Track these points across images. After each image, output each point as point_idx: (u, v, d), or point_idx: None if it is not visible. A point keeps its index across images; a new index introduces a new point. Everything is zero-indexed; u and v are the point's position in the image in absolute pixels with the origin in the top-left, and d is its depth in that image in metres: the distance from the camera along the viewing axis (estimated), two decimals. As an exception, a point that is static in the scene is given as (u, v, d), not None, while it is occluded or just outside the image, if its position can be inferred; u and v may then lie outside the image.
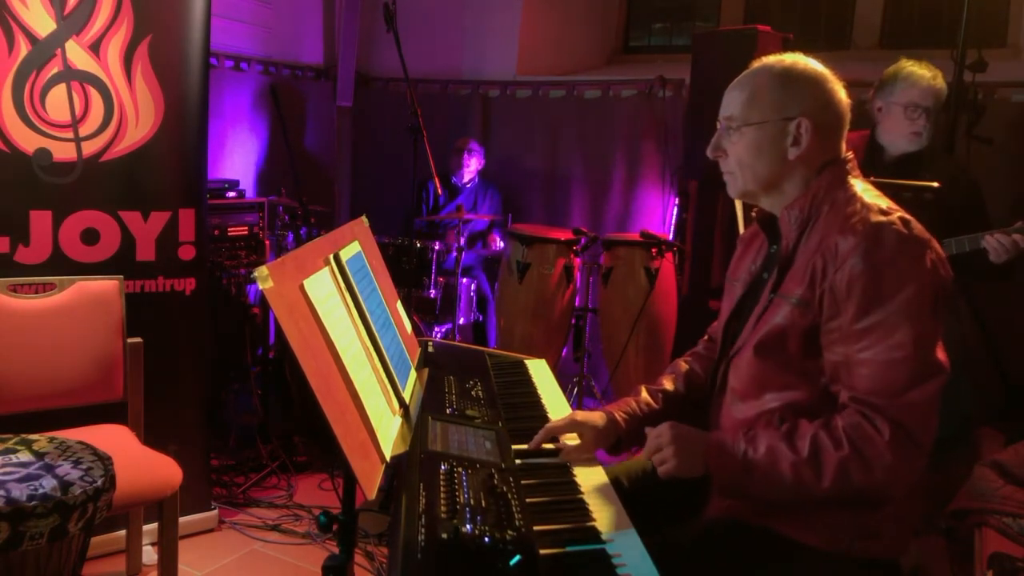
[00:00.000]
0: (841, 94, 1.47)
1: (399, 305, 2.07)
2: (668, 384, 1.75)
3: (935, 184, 2.39)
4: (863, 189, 1.45)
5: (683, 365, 1.79)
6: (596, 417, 1.65)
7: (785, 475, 1.33)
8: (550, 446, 1.63)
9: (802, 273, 1.40)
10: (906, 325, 1.30)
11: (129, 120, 2.56)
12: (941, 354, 1.34)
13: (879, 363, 1.31)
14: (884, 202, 1.42)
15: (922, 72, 2.60)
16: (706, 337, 1.84)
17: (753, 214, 1.64)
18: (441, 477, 1.34)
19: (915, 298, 1.31)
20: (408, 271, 3.69)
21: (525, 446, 1.62)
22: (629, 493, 1.54)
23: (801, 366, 1.41)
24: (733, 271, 1.69)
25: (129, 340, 2.48)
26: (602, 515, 1.36)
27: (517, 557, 1.13)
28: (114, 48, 2.51)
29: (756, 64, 1.51)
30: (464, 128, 4.85)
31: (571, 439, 1.65)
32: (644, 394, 1.73)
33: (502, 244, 4.41)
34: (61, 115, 2.46)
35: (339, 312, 1.49)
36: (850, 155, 1.50)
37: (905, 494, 1.42)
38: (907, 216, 1.37)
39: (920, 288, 1.31)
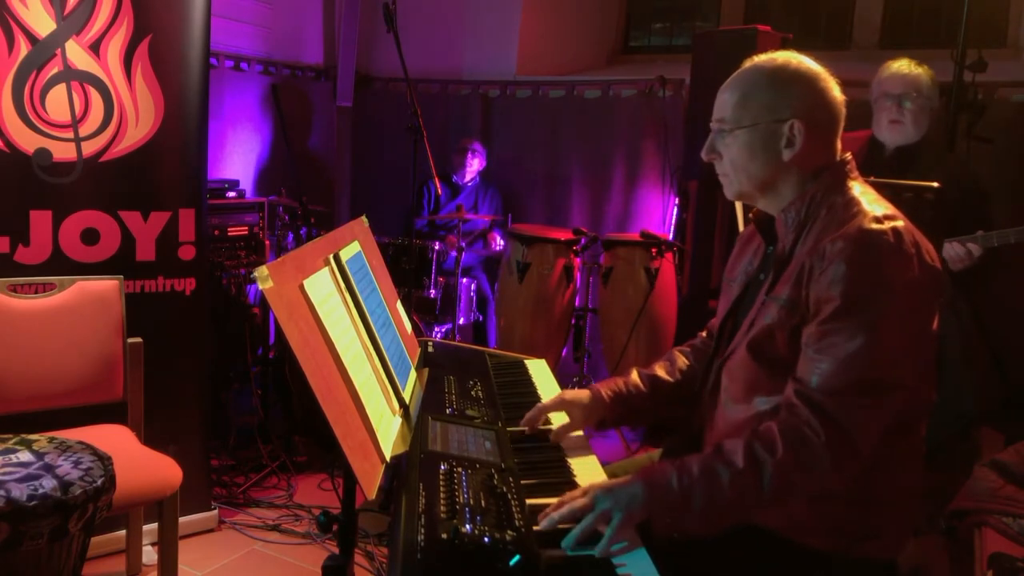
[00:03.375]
0: (835, 92, 1.46)
1: (399, 305, 2.07)
2: (660, 371, 1.76)
3: (935, 184, 2.39)
4: (862, 192, 1.44)
5: (680, 357, 1.79)
6: (583, 396, 1.72)
7: (726, 492, 1.29)
8: (547, 427, 1.72)
9: (792, 274, 1.40)
10: (873, 333, 1.29)
11: (129, 120, 2.56)
12: (906, 373, 1.32)
13: (836, 362, 1.30)
14: (882, 208, 1.40)
15: (898, 63, 2.66)
16: (704, 333, 1.84)
17: (751, 215, 1.63)
18: (441, 477, 1.34)
19: (889, 310, 1.30)
20: (408, 271, 3.69)
21: (523, 440, 1.67)
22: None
23: (790, 369, 1.40)
24: (730, 270, 1.69)
25: (129, 340, 2.47)
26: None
27: (517, 557, 1.13)
28: (114, 48, 2.51)
29: (747, 64, 1.49)
30: (464, 128, 4.86)
31: (560, 418, 1.71)
32: (634, 376, 1.76)
33: (502, 243, 4.41)
34: (61, 115, 2.46)
35: (339, 312, 1.49)
36: (848, 156, 1.49)
37: (905, 495, 1.43)
38: (901, 227, 1.35)
39: (897, 301, 1.30)
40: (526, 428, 1.71)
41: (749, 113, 1.44)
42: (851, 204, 1.41)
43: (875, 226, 1.34)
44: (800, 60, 1.47)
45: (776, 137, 1.43)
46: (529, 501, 1.35)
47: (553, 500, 1.37)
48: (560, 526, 1.29)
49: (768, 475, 1.29)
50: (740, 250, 1.69)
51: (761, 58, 1.49)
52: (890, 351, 1.30)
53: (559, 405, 1.71)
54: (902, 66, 2.64)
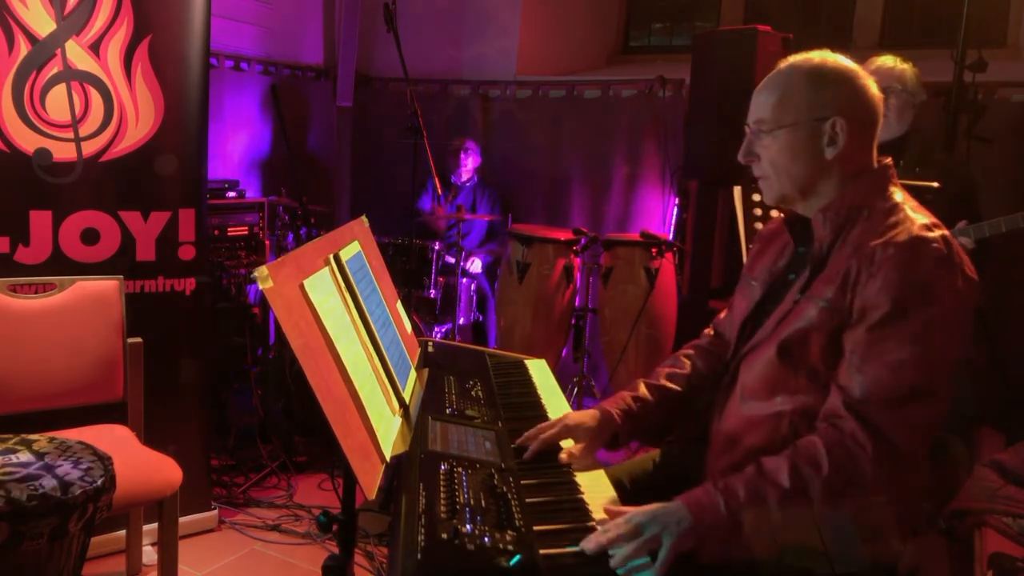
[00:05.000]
0: (873, 89, 1.44)
1: (399, 305, 2.07)
2: (666, 381, 1.74)
3: (935, 184, 2.39)
4: (904, 199, 1.43)
5: (684, 361, 1.77)
6: (587, 418, 1.64)
7: (774, 513, 1.28)
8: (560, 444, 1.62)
9: (834, 276, 1.38)
10: (920, 343, 1.28)
11: (129, 120, 2.56)
12: (945, 382, 1.31)
13: (882, 372, 1.29)
14: (927, 217, 1.39)
15: (883, 58, 2.70)
16: (710, 331, 1.83)
17: (783, 214, 1.61)
18: (441, 477, 1.34)
19: (937, 319, 1.29)
20: (408, 271, 3.69)
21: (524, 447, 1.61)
22: (631, 495, 1.53)
23: (818, 371, 1.39)
24: (750, 268, 1.66)
25: (129, 340, 2.47)
26: (602, 515, 1.35)
27: (517, 557, 1.13)
28: (114, 48, 2.51)
29: (783, 64, 1.47)
30: (464, 128, 4.86)
31: (568, 443, 1.63)
32: (642, 389, 1.72)
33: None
34: (61, 115, 2.46)
35: (339, 312, 1.49)
36: (889, 161, 1.47)
37: (906, 495, 1.42)
38: (949, 235, 1.35)
39: (945, 311, 1.30)
40: (526, 458, 1.58)
41: (789, 112, 1.42)
42: (895, 210, 1.39)
43: (926, 234, 1.33)
44: (836, 59, 1.45)
45: (818, 136, 1.41)
46: (529, 501, 1.35)
47: (553, 499, 1.37)
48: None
49: (815, 493, 1.27)
50: (762, 248, 1.66)
51: (797, 58, 1.47)
52: (935, 360, 1.30)
53: (564, 432, 1.62)
54: (886, 60, 2.68)
